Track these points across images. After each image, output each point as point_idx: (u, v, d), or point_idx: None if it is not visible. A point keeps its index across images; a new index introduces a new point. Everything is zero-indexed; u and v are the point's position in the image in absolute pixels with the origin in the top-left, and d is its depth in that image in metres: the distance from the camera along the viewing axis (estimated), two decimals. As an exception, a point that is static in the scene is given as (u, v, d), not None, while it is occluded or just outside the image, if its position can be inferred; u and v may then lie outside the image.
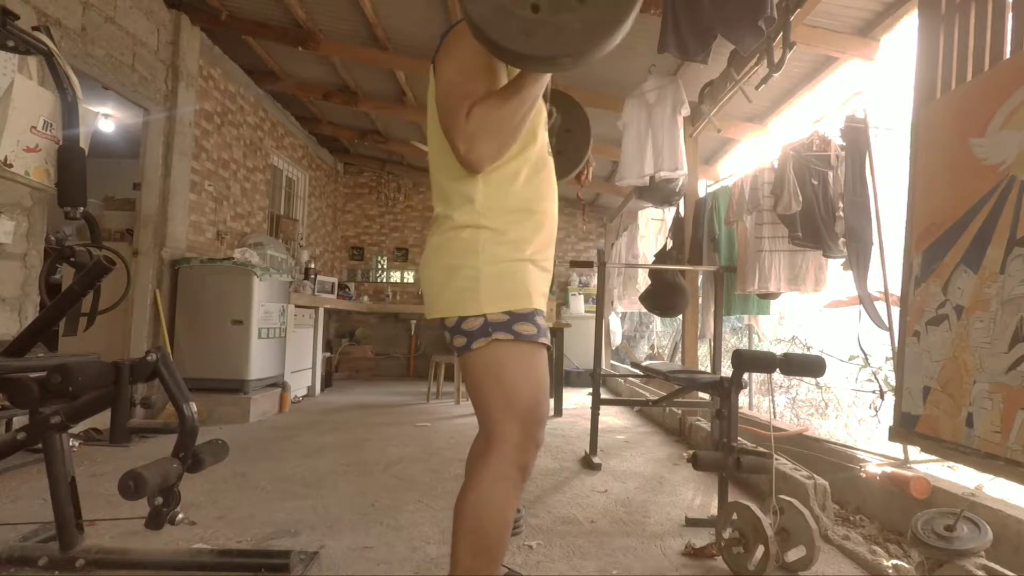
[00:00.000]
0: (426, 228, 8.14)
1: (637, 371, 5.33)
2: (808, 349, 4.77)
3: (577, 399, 5.89)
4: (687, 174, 3.85)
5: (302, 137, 6.65)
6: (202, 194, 4.55)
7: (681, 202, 4.44)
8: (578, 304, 7.60)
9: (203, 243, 4.58)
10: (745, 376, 2.04)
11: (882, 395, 2.94)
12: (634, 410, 5.05)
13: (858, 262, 2.71)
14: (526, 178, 1.19)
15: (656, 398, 2.84)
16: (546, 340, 1.17)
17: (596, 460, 3.06)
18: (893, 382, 2.34)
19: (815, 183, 2.96)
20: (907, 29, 2.86)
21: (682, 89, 3.75)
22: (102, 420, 3.19)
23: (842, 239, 2.86)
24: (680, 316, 4.58)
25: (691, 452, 1.97)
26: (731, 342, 6.00)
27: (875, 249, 2.68)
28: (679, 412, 3.97)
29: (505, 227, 1.16)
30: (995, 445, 1.59)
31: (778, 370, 1.89)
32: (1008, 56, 1.76)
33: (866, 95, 2.92)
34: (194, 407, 1.56)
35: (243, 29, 4.41)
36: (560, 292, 7.72)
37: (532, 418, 1.13)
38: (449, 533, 1.12)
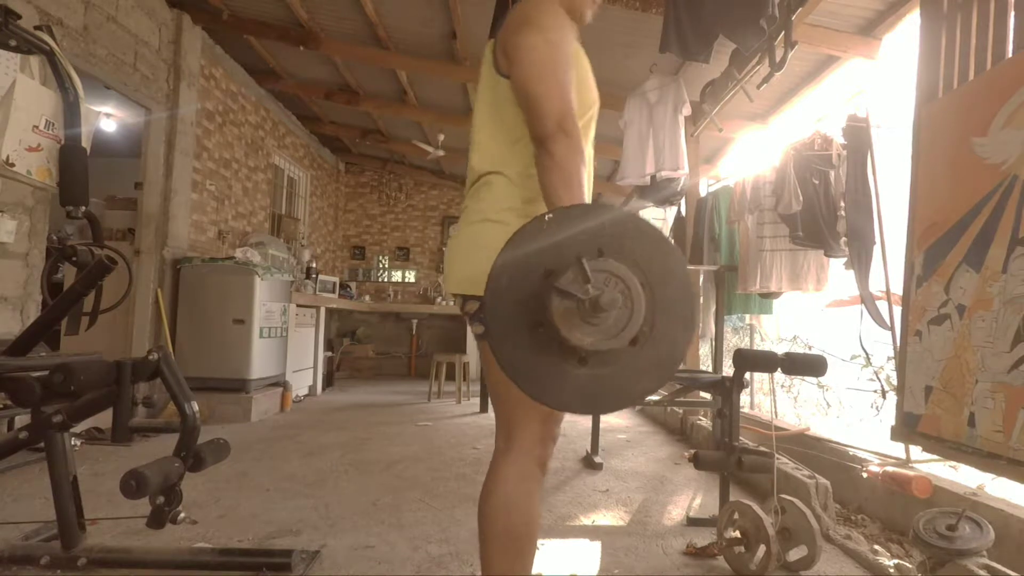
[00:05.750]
0: (427, 227, 8.14)
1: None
2: (810, 348, 4.76)
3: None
4: (688, 173, 3.85)
5: (303, 136, 6.65)
6: (204, 193, 4.55)
7: (682, 201, 4.44)
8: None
9: (205, 242, 4.58)
10: (747, 375, 2.03)
11: (884, 394, 2.94)
12: (635, 409, 5.04)
13: (860, 261, 2.70)
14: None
15: (657, 397, 2.83)
16: None
17: (597, 459, 3.06)
18: (895, 381, 2.33)
19: (816, 182, 2.95)
20: (909, 28, 2.85)
21: (683, 88, 3.74)
22: (104, 419, 3.22)
23: (844, 238, 2.85)
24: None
25: (692, 451, 1.97)
26: (732, 341, 5.99)
27: (877, 248, 2.67)
28: (680, 412, 3.96)
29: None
30: (997, 444, 1.59)
31: (779, 369, 1.89)
32: (1010, 55, 1.76)
33: (868, 94, 2.92)
34: (196, 406, 1.56)
35: (245, 28, 4.41)
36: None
37: (552, 414, 1.14)
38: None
